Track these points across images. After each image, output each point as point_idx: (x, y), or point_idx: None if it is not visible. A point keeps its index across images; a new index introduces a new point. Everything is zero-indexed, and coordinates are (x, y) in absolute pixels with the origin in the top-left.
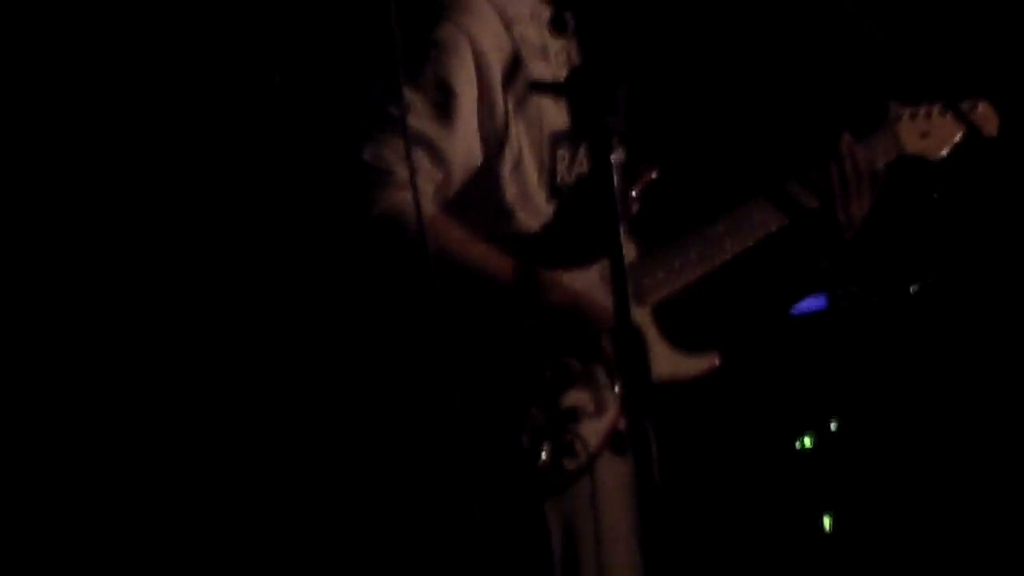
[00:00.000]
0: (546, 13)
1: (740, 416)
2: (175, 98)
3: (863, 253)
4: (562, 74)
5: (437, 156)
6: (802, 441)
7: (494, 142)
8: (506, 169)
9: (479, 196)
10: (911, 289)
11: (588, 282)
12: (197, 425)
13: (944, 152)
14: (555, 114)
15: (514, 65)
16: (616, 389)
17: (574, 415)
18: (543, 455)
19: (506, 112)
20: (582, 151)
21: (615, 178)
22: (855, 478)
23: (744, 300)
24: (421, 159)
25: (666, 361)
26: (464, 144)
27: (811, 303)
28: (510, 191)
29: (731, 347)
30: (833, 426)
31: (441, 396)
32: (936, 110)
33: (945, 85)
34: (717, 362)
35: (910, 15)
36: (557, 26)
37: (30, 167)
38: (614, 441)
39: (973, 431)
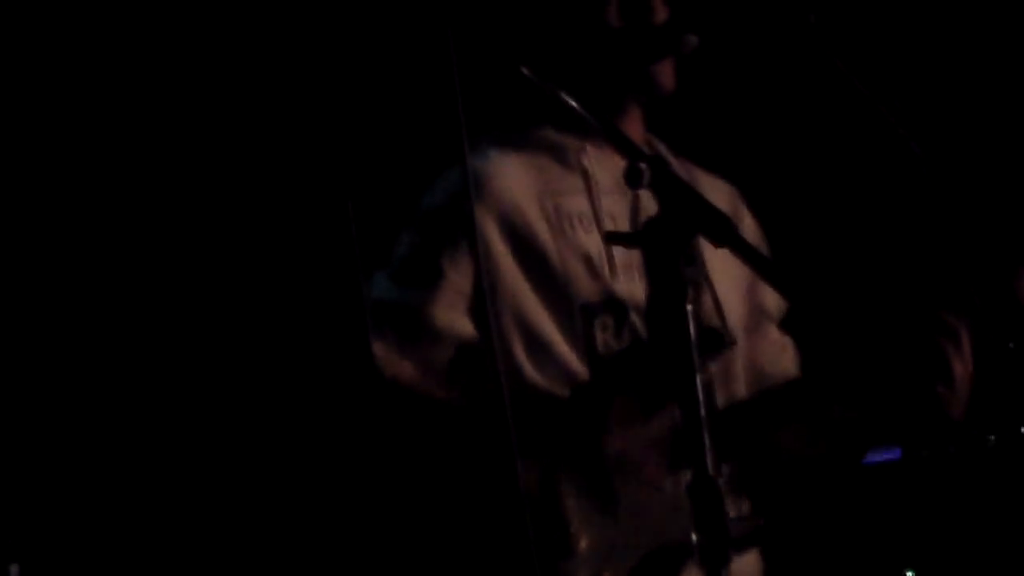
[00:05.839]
0: (600, 175)
1: (817, 564)
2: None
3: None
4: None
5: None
6: None
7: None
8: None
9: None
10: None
11: (638, 443)
12: None
13: None
14: (587, 286)
15: (532, 240)
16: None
17: None
18: None
19: (511, 291)
20: (633, 315)
21: (692, 329)
22: None
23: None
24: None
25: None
26: (451, 316)
27: (885, 454)
28: (527, 369)
29: (808, 495)
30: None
31: None
32: None
33: None
34: None
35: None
36: (631, 179)
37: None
38: None
39: None
